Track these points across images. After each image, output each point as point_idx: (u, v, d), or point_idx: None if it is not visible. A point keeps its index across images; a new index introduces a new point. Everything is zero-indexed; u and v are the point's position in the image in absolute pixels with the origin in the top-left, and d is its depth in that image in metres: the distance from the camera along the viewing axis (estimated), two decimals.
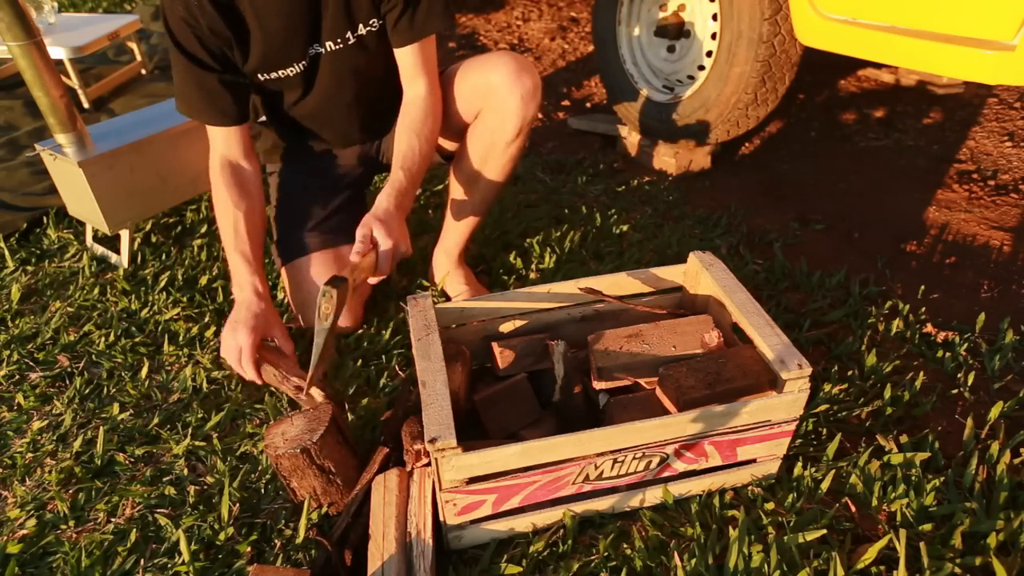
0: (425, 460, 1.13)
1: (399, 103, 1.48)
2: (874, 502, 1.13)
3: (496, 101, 1.45)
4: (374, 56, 1.46)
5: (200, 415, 1.40)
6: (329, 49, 1.42)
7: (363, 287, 1.61)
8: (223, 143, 1.45)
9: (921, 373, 1.38)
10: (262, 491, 1.23)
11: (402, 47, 1.42)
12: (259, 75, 1.43)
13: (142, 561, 1.13)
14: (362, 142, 1.67)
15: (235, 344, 1.30)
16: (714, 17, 2.10)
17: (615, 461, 1.06)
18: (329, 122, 1.59)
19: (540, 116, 2.89)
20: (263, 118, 1.70)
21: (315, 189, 1.65)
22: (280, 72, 1.43)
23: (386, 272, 1.26)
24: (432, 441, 0.96)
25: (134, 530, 1.17)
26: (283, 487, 1.21)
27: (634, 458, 1.06)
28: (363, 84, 1.51)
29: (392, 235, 1.25)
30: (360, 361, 1.51)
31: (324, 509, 1.17)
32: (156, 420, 1.39)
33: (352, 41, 1.42)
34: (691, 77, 2.26)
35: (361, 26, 1.40)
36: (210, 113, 1.41)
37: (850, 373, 1.42)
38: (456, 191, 1.63)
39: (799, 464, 1.19)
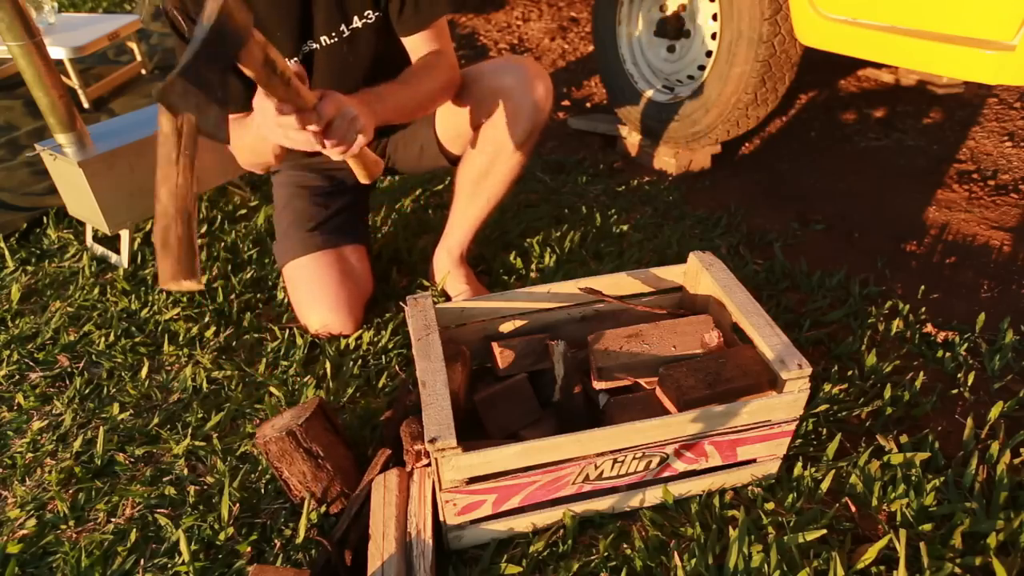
0: (425, 460, 1.13)
1: None
2: (874, 502, 1.13)
3: (509, 104, 1.44)
4: (372, 50, 1.45)
5: (200, 415, 1.40)
6: (324, 44, 1.41)
7: (361, 283, 1.61)
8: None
9: (921, 373, 1.38)
10: (262, 491, 1.23)
11: (409, 35, 1.39)
12: None
13: (142, 561, 1.13)
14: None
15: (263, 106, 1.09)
16: (714, 17, 2.10)
17: (615, 461, 1.06)
18: None
19: None
20: None
21: (317, 189, 1.65)
22: None
23: (326, 124, 1.08)
24: (432, 441, 0.96)
25: (134, 530, 1.17)
26: (283, 487, 1.21)
27: (634, 458, 1.06)
28: (363, 80, 1.50)
29: (344, 101, 1.10)
30: (360, 361, 1.51)
31: (323, 508, 1.17)
32: (156, 420, 1.39)
33: (347, 34, 1.40)
34: (691, 77, 2.26)
35: (356, 18, 1.39)
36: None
37: (850, 373, 1.42)
38: (462, 191, 1.63)
39: (799, 464, 1.19)
